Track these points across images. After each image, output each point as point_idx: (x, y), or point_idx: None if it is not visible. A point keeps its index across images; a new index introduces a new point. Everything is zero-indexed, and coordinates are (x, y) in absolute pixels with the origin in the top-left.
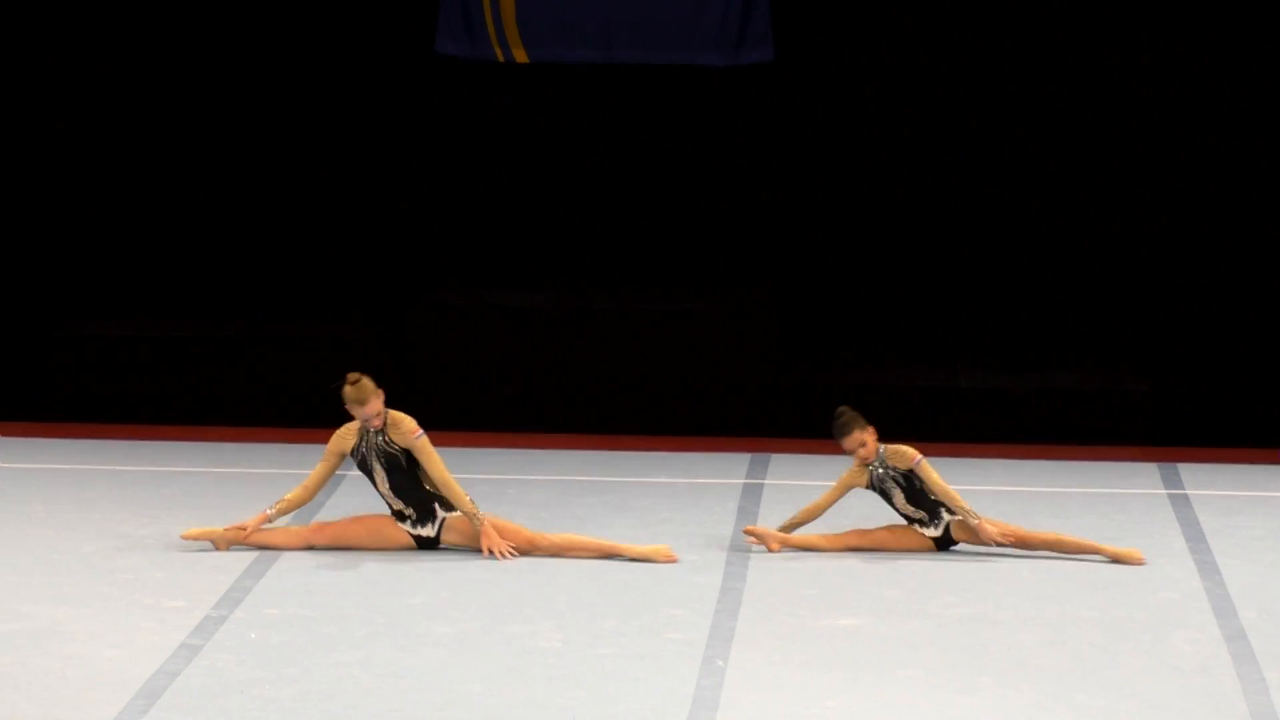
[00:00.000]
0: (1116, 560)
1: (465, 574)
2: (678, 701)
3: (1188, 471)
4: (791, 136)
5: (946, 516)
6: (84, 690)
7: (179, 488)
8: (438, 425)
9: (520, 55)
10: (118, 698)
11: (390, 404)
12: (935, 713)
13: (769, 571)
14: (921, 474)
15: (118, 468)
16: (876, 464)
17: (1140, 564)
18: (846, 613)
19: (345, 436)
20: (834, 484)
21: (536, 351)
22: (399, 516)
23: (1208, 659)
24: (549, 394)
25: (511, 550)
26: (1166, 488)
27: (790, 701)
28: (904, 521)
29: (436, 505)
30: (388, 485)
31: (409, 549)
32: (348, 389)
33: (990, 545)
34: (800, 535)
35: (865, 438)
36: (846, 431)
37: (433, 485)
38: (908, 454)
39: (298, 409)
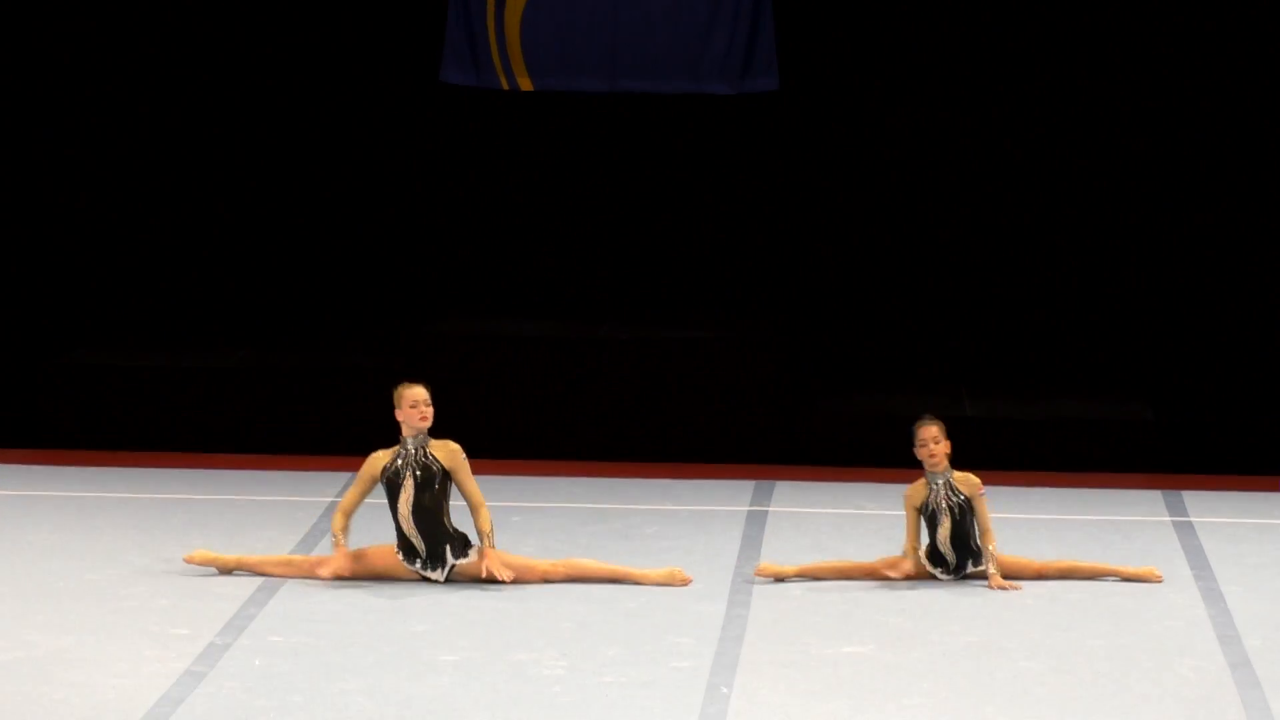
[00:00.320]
0: (1134, 579)
1: (469, 602)
2: None
3: (1192, 499)
4: (797, 165)
5: (970, 568)
6: (88, 718)
7: (184, 516)
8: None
9: (525, 84)
10: None
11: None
12: None
13: (774, 599)
14: (978, 505)
15: (122, 495)
16: (940, 481)
17: (1158, 581)
18: (852, 641)
19: (378, 458)
20: (905, 512)
21: (541, 379)
22: (408, 551)
23: (1212, 686)
24: (554, 422)
25: (509, 574)
26: (1171, 515)
27: None
28: (920, 558)
29: (449, 548)
30: (410, 506)
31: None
32: (402, 386)
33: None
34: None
35: (941, 437)
36: (927, 422)
37: (451, 523)
38: (974, 481)
39: (303, 437)
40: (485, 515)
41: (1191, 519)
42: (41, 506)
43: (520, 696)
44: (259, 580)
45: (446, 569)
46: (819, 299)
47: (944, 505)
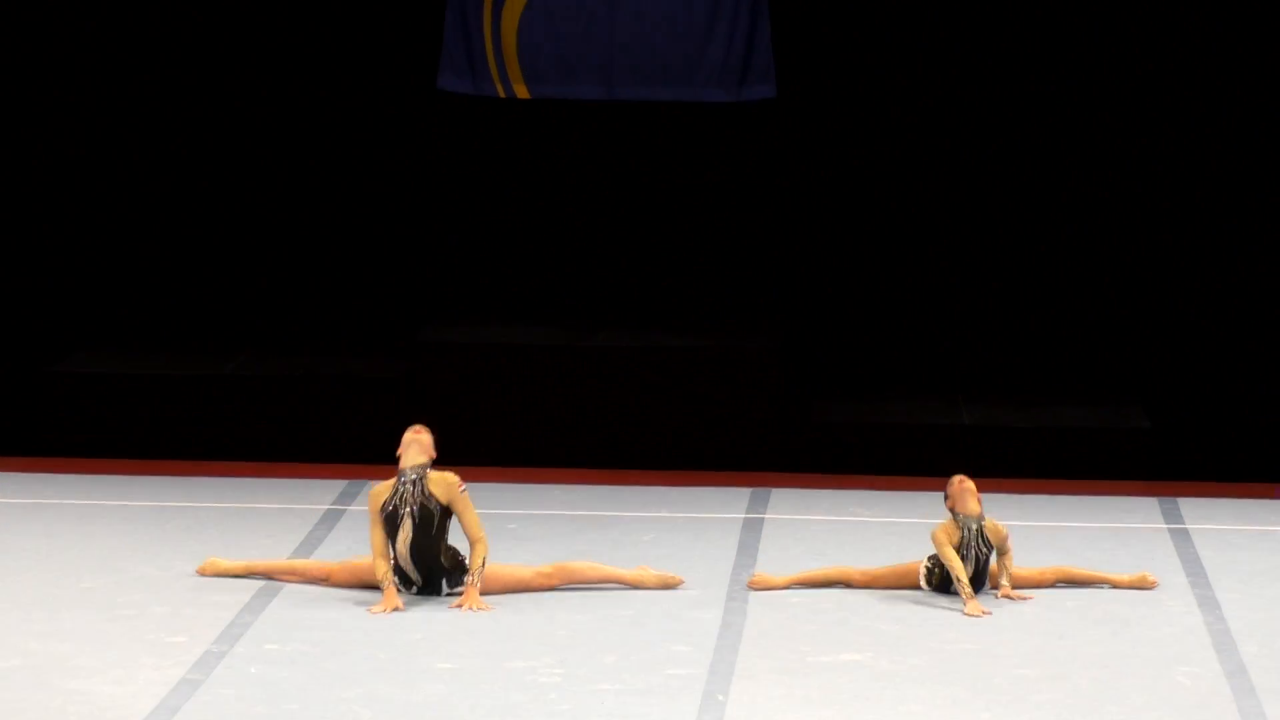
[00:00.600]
0: (1131, 587)
1: (465, 611)
2: None
3: (1188, 506)
4: (794, 173)
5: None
6: None
7: (181, 523)
8: (441, 461)
9: (522, 91)
10: None
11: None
12: None
13: (770, 607)
14: (1006, 559)
15: (119, 503)
16: (974, 527)
17: (1152, 587)
18: (848, 648)
19: (379, 493)
20: (943, 554)
21: (538, 387)
22: (404, 581)
23: (1208, 694)
24: (550, 429)
25: (489, 608)
26: (1167, 522)
27: None
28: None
29: (444, 581)
30: (409, 546)
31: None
32: (409, 432)
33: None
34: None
35: (969, 481)
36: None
37: (448, 557)
38: (1003, 533)
39: (299, 445)
40: (480, 551)
41: (1188, 526)
42: (38, 513)
43: (517, 704)
44: (255, 588)
45: (441, 596)
46: (816, 307)
47: (972, 554)
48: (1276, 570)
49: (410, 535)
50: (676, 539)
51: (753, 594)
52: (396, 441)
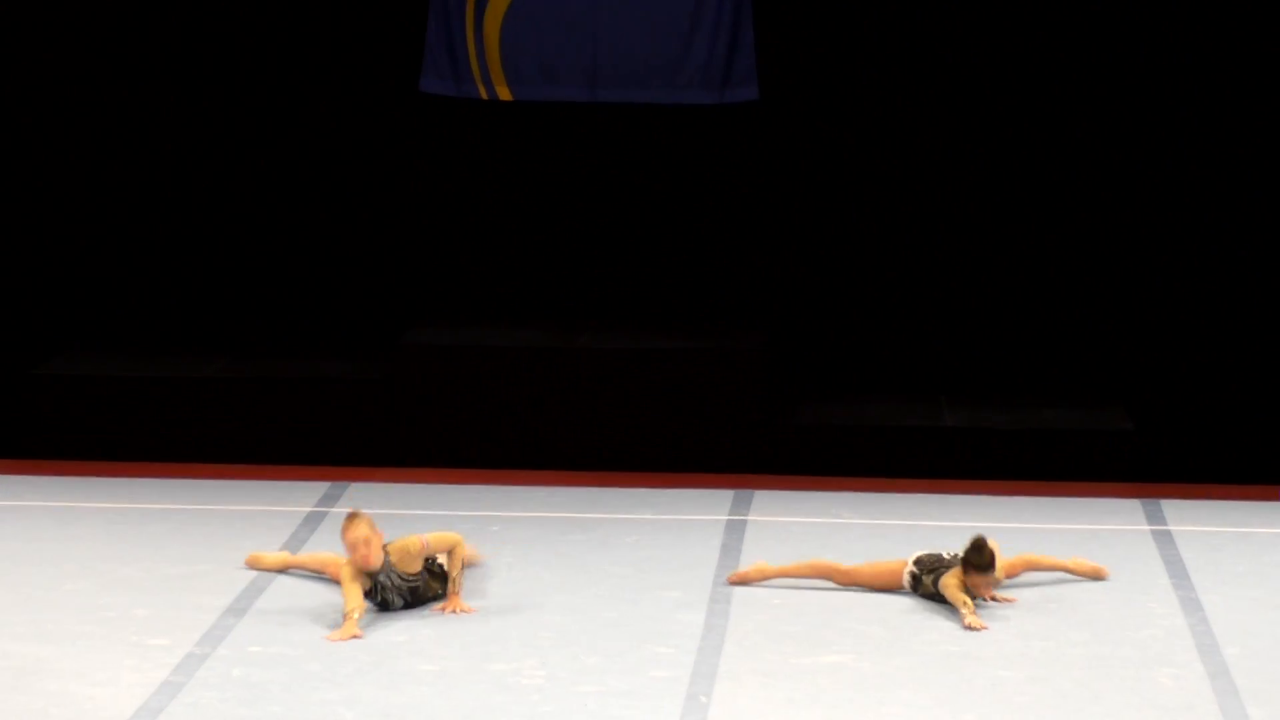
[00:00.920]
0: (1086, 576)
1: (449, 614)
2: None
3: (1171, 508)
4: (777, 174)
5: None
6: None
7: (163, 526)
8: (422, 463)
9: (505, 93)
10: None
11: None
12: None
13: (753, 608)
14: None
15: (100, 505)
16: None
17: (1104, 578)
18: (830, 650)
19: (357, 572)
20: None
21: (521, 390)
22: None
23: (1191, 696)
24: (534, 431)
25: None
26: (1150, 524)
27: None
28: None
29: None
30: (401, 607)
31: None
32: (344, 525)
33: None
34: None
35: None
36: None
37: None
38: (1014, 570)
39: (282, 447)
40: (458, 555)
41: (1170, 528)
42: (19, 516)
43: (500, 706)
44: (238, 590)
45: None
46: (799, 309)
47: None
48: (1259, 572)
49: (404, 606)
50: (660, 540)
51: (735, 596)
52: (381, 443)
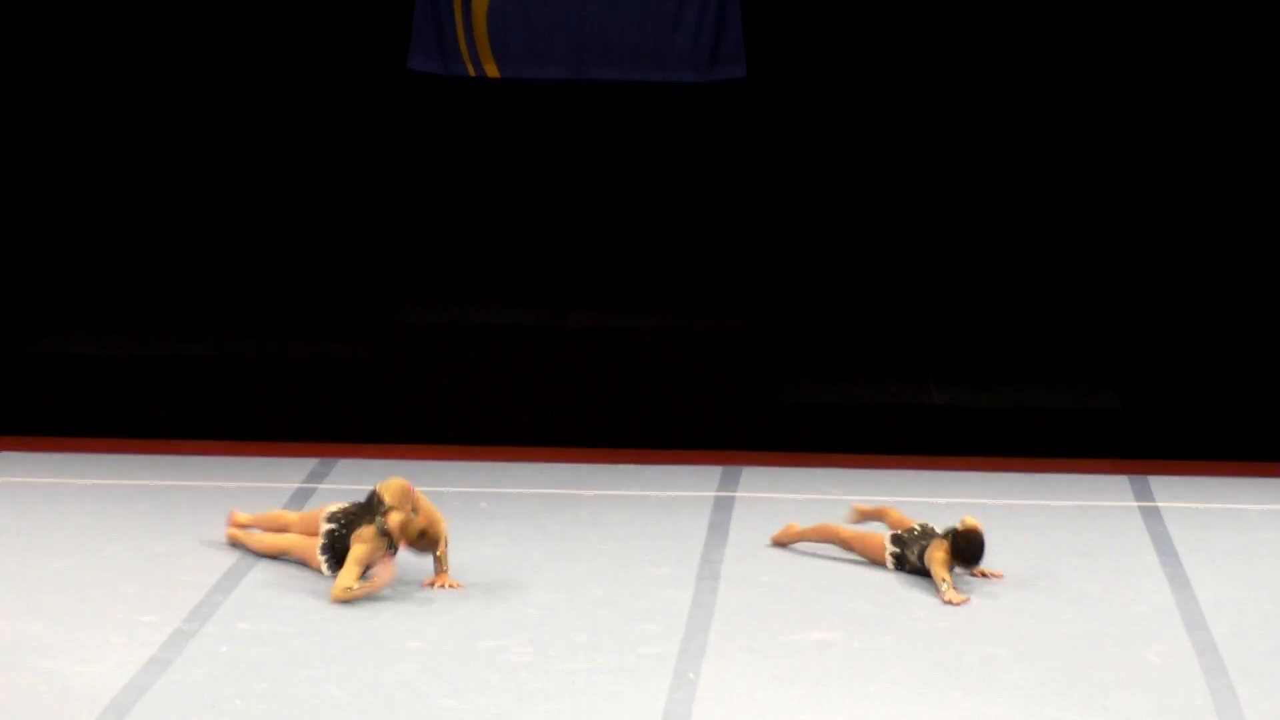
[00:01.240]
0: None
1: (436, 590)
2: (649, 716)
3: (1159, 484)
4: (765, 153)
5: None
6: (55, 705)
7: (151, 503)
8: (411, 440)
9: (492, 71)
10: (89, 712)
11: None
12: None
13: (741, 586)
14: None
15: (89, 482)
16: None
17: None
18: (818, 627)
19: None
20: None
21: (510, 368)
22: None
23: (1179, 673)
24: (522, 410)
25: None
26: (1138, 500)
27: (762, 715)
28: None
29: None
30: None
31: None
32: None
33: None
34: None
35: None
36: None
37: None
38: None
39: (269, 425)
40: (443, 540)
41: (1158, 504)
42: (7, 493)
43: (488, 683)
44: (226, 567)
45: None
46: (786, 287)
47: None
48: (1247, 549)
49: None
50: (647, 518)
51: (723, 574)
52: (368, 421)
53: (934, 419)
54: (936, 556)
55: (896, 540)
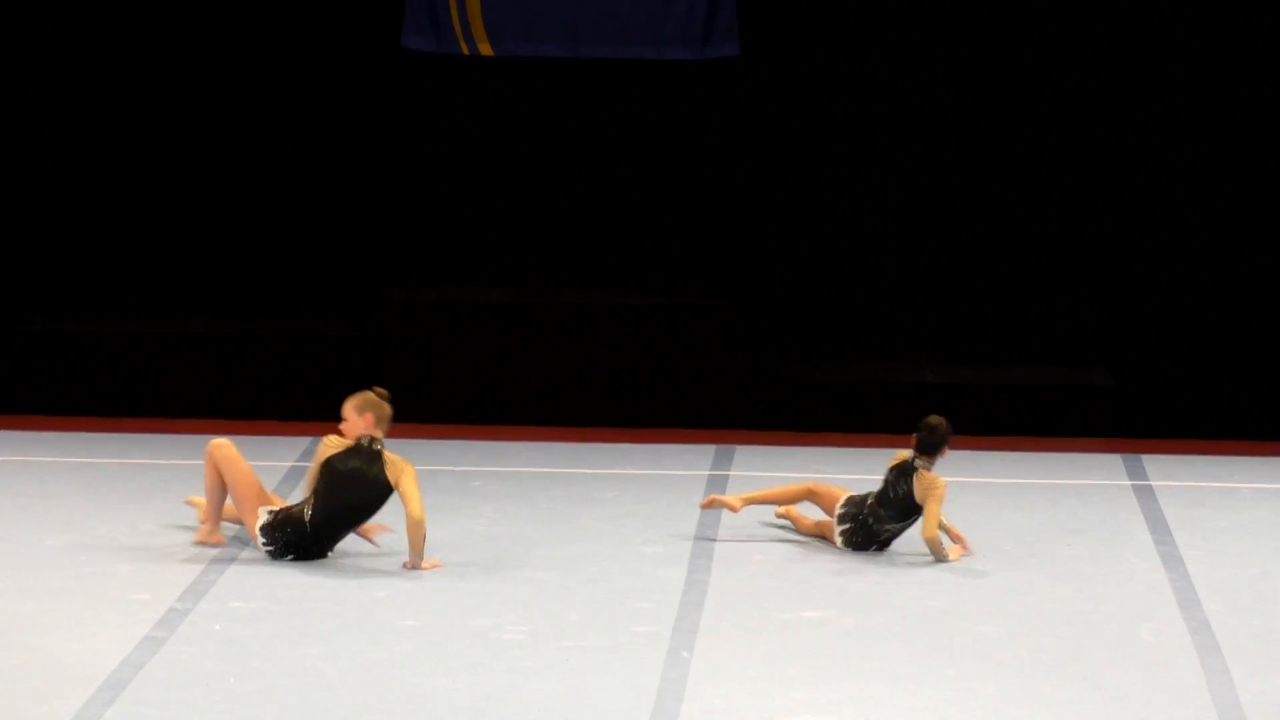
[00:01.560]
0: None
1: (425, 569)
2: (643, 693)
3: (1152, 463)
4: (759, 131)
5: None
6: (49, 683)
7: (144, 481)
8: (404, 418)
9: (485, 49)
10: (83, 690)
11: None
12: (901, 704)
13: (734, 564)
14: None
15: (82, 461)
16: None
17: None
18: (812, 605)
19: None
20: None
21: (503, 346)
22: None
23: (1172, 651)
24: (516, 388)
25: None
26: (1131, 479)
27: (755, 693)
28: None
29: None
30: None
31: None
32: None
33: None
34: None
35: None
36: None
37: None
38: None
39: (262, 403)
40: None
41: (1152, 483)
42: (0, 472)
43: (481, 662)
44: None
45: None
46: (780, 265)
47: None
48: (1240, 527)
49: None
50: (641, 495)
51: (717, 552)
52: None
53: (928, 397)
54: (935, 495)
55: (846, 512)
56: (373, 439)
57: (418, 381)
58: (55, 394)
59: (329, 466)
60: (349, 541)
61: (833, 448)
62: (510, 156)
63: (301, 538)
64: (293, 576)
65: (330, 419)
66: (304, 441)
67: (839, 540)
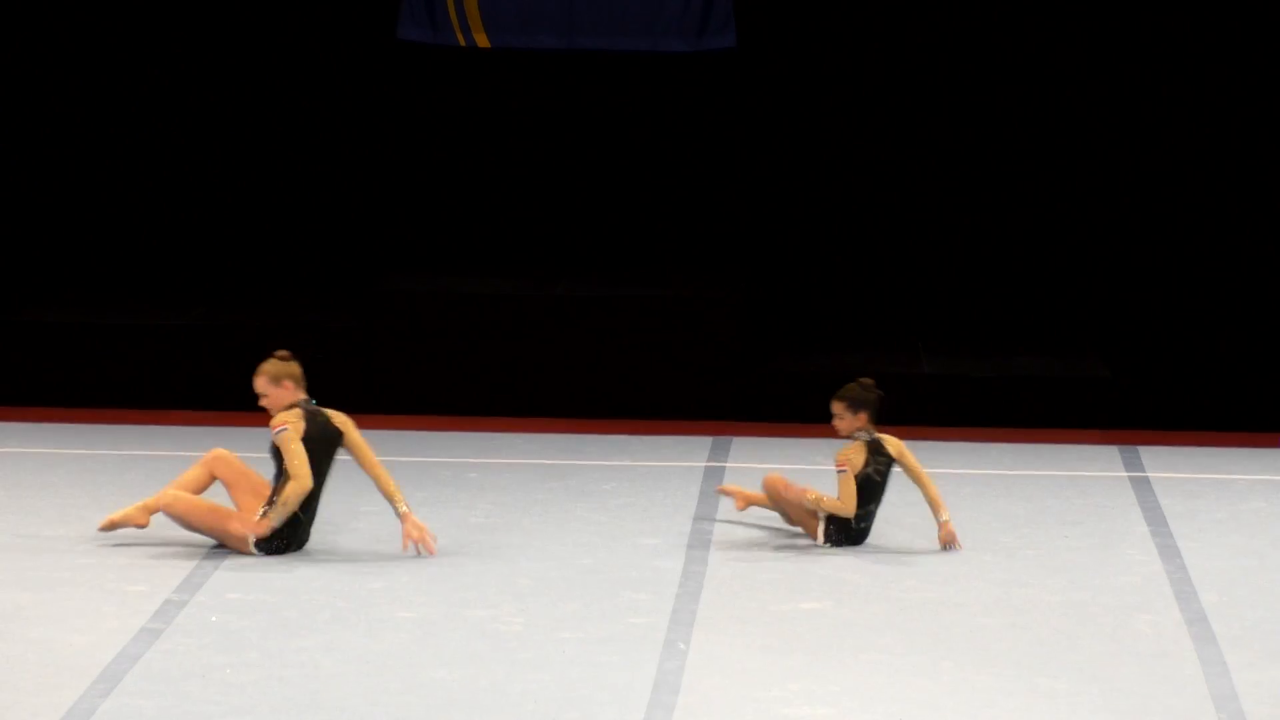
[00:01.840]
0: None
1: (426, 558)
2: (640, 684)
3: (1149, 454)
4: (755, 122)
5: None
6: (46, 674)
7: (141, 472)
8: (401, 410)
9: (482, 41)
10: (79, 681)
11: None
12: (897, 696)
13: (731, 555)
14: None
15: (78, 452)
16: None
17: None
18: (808, 597)
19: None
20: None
21: (500, 337)
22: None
23: (1169, 642)
24: (512, 379)
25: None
26: (1127, 470)
27: (752, 684)
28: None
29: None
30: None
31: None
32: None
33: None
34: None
35: (840, 412)
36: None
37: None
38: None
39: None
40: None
41: (1148, 474)
42: None
43: (478, 652)
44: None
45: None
46: (777, 257)
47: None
48: (1236, 518)
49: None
50: (637, 487)
51: (713, 544)
52: (357, 389)
53: (924, 388)
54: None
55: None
56: (306, 400)
57: (414, 372)
58: (52, 385)
59: (309, 443)
60: (346, 534)
61: (829, 439)
62: (506, 147)
63: (295, 530)
64: (289, 568)
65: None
66: None
67: (820, 537)
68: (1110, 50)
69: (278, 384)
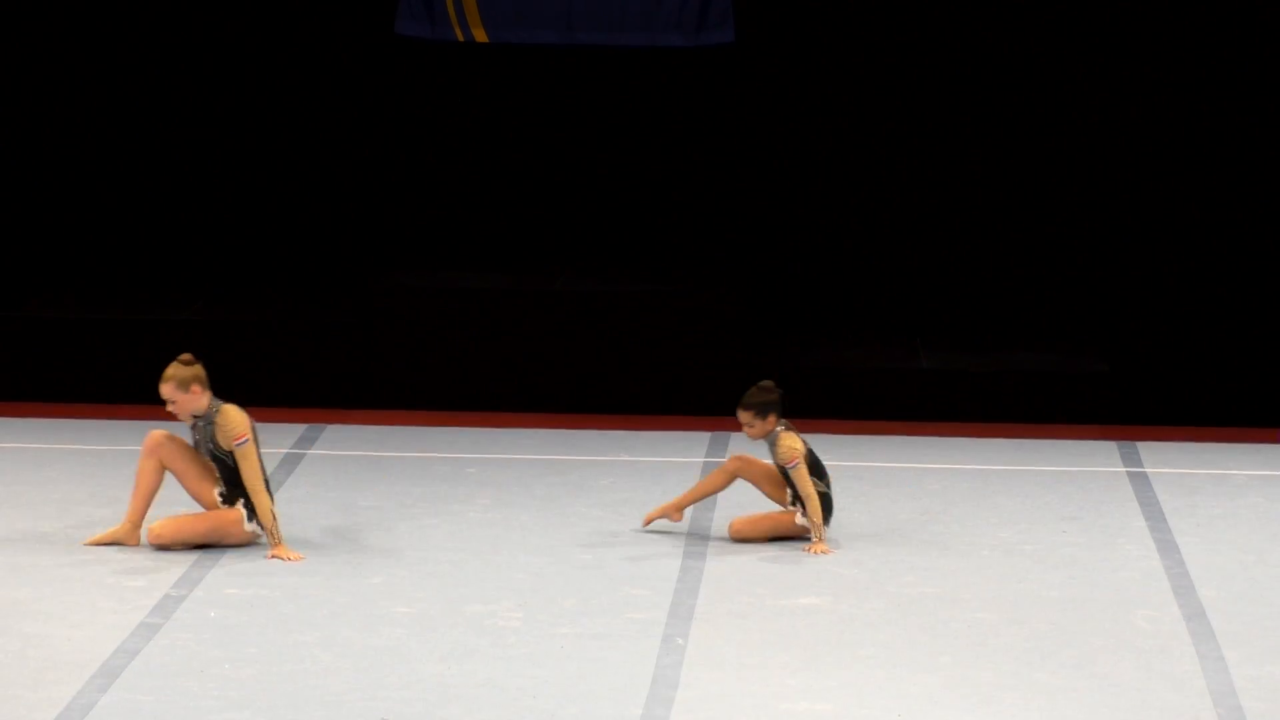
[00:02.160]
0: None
1: (425, 554)
2: (638, 680)
3: (1147, 450)
4: (753, 118)
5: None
6: (44, 669)
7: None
8: (399, 405)
9: (480, 35)
10: (77, 676)
11: (349, 384)
12: (895, 691)
13: (728, 551)
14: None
15: (76, 447)
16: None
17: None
18: (806, 592)
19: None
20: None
21: (499, 332)
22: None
23: (1167, 638)
24: (511, 374)
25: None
26: (1126, 466)
27: (750, 679)
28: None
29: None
30: (220, 475)
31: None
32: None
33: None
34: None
35: (749, 420)
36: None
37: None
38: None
39: (258, 390)
40: (265, 504)
41: (1146, 470)
42: None
43: (476, 648)
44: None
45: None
46: (775, 252)
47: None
48: (1235, 514)
49: (219, 470)
50: (636, 483)
51: (712, 539)
52: (355, 385)
53: (922, 383)
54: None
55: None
56: (213, 399)
57: (412, 368)
58: (50, 380)
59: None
60: (344, 531)
61: (827, 434)
62: (505, 143)
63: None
64: (287, 563)
65: (326, 405)
66: (298, 428)
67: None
68: (1109, 47)
69: (185, 389)
